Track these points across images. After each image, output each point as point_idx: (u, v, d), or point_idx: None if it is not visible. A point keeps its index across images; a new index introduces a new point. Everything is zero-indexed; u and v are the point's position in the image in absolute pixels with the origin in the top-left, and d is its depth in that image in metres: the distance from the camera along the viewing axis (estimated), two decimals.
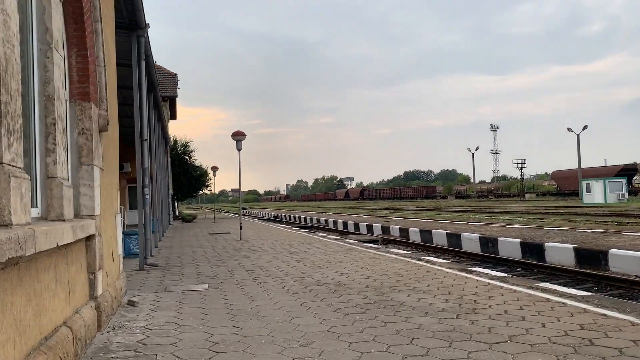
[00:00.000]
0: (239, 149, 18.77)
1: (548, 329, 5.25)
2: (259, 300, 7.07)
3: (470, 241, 16.95)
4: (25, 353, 3.24)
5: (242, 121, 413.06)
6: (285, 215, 48.46)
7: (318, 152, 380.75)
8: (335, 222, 32.03)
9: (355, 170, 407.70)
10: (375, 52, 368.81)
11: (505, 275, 9.19)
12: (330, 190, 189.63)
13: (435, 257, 14.79)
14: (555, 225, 21.16)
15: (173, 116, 42.37)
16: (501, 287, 7.68)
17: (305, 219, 39.87)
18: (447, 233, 18.73)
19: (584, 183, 51.08)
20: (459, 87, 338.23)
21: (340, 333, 5.27)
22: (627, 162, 69.90)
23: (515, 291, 7.36)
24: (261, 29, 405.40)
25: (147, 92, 16.63)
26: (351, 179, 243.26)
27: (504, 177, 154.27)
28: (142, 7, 10.20)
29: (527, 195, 77.74)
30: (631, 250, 11.63)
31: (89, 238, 5.34)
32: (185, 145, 45.41)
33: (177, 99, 40.70)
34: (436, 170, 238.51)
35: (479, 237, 16.61)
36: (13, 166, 3.17)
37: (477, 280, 8.40)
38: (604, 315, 5.75)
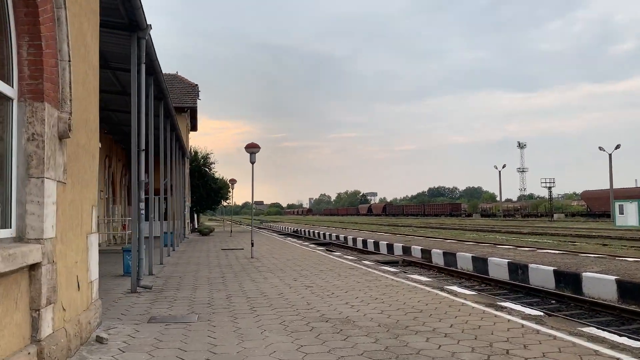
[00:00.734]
0: (252, 162, 17.84)
1: None
2: (249, 341, 6.00)
3: (498, 267, 15.64)
4: None
5: (267, 134, 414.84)
6: (304, 230, 47.40)
7: (342, 167, 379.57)
8: (354, 240, 30.85)
9: (378, 185, 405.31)
10: (402, 68, 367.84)
11: (540, 314, 7.97)
12: (353, 205, 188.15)
13: (460, 285, 13.57)
14: (588, 249, 19.70)
15: (194, 127, 41.87)
16: (537, 332, 6.49)
17: (324, 235, 38.76)
18: (472, 257, 17.43)
19: (617, 204, 48.92)
20: (485, 103, 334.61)
21: None
22: None
23: (555, 338, 6.17)
24: (288, 43, 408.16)
25: (153, 100, 15.87)
26: (374, 194, 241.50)
27: (531, 196, 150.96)
28: (141, 6, 9.36)
29: (555, 216, 75.33)
30: None
31: (34, 267, 4.37)
32: (206, 157, 44.83)
33: (197, 110, 40.25)
34: (461, 188, 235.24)
35: (508, 262, 15.30)
36: None
37: (509, 320, 7.21)
38: None
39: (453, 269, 17.58)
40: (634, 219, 45.87)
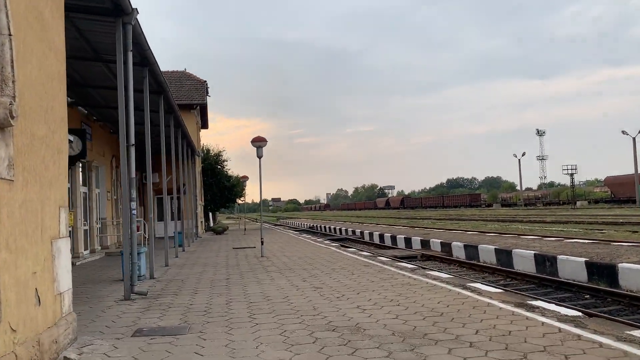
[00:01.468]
0: (259, 156, 17.02)
1: None
2: (239, 359, 5.16)
3: (524, 259, 14.62)
4: None
5: (283, 131, 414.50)
6: (320, 226, 46.56)
7: (358, 161, 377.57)
8: (371, 235, 29.92)
9: (396, 178, 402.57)
10: (416, 59, 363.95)
11: (578, 314, 7.02)
12: (370, 199, 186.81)
13: (483, 280, 12.60)
14: (618, 237, 18.55)
15: (204, 125, 41.22)
16: (579, 338, 5.55)
17: (340, 230, 37.88)
18: (495, 249, 16.42)
19: None
20: (502, 92, 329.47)
21: None
22: None
23: (601, 345, 5.23)
24: (302, 38, 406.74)
25: (152, 94, 15.10)
26: (392, 188, 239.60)
27: (552, 184, 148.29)
28: None
29: (578, 203, 73.46)
30: None
31: None
32: (218, 155, 44.15)
33: (207, 107, 39.55)
34: (480, 178, 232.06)
35: (534, 254, 14.28)
36: None
37: (543, 323, 6.27)
38: None
39: (475, 262, 16.57)
40: None
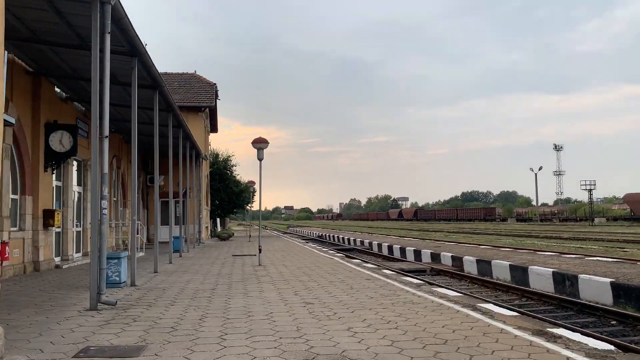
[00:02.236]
0: (260, 159, 16.03)
1: None
2: None
3: (541, 278, 13.42)
4: None
5: (298, 139, 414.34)
6: (329, 236, 45.45)
7: (373, 171, 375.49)
8: (380, 246, 28.76)
9: (410, 190, 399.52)
10: (434, 72, 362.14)
11: (610, 347, 5.88)
12: (383, 210, 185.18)
13: (496, 300, 11.45)
14: None
15: (214, 128, 40.46)
16: None
17: (349, 240, 36.75)
18: (510, 265, 15.23)
19: None
20: (520, 106, 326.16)
21: None
22: None
23: None
24: (319, 49, 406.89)
25: (145, 89, 14.23)
26: (406, 199, 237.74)
27: (568, 200, 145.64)
28: None
29: (596, 220, 71.48)
30: None
31: None
32: (227, 160, 43.35)
33: (217, 110, 38.80)
34: (495, 192, 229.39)
35: (553, 272, 13.08)
36: None
37: (567, 358, 5.16)
38: None
39: (488, 279, 15.39)
40: None
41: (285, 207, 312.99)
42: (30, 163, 14.34)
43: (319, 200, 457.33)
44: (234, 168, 44.12)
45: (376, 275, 12.58)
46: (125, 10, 9.32)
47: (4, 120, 5.92)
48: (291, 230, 74.75)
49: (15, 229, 13.54)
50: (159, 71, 35.85)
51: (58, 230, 16.38)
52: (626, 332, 8.81)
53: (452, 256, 19.42)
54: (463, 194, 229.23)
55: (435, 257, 20.85)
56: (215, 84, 34.40)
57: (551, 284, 12.95)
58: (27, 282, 11.93)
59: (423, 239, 34.25)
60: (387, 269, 16.05)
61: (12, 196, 13.52)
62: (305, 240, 37.04)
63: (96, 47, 8.40)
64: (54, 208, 15.46)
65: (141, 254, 20.28)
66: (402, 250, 24.56)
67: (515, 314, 7.80)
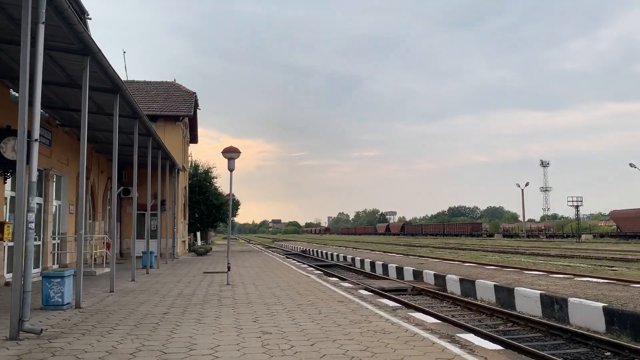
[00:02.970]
0: (230, 169, 15.05)
1: None
2: None
3: (528, 300, 12.50)
4: None
5: (287, 153, 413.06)
6: (313, 251, 44.34)
7: (361, 185, 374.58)
8: (362, 262, 27.74)
9: (398, 204, 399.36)
10: (422, 87, 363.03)
11: None
12: (371, 224, 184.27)
13: (478, 326, 10.45)
14: (633, 276, 16.42)
15: (193, 139, 39.39)
16: None
17: (332, 255, 35.70)
18: (495, 285, 14.30)
19: None
20: (506, 123, 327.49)
21: None
22: None
23: None
24: (308, 63, 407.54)
25: (104, 92, 13.24)
26: (393, 213, 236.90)
27: (555, 216, 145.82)
28: None
29: (583, 237, 71.00)
30: None
31: None
32: (207, 172, 42.22)
33: (197, 120, 37.79)
34: (482, 207, 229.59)
35: (540, 294, 12.15)
36: None
37: None
38: None
39: (471, 300, 14.44)
40: None
41: (273, 221, 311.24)
42: None
43: (308, 213, 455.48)
44: (215, 180, 43.01)
45: (350, 297, 11.57)
46: None
47: None
48: (276, 244, 73.53)
49: None
50: (140, 79, 34.67)
51: (11, 244, 15.20)
52: None
53: (434, 274, 18.46)
54: (450, 208, 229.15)
55: (418, 274, 19.89)
56: (194, 93, 33.38)
57: (539, 307, 12.02)
58: None
59: (408, 254, 33.30)
60: (365, 289, 15.06)
61: None
62: (287, 256, 35.93)
63: (26, 41, 7.38)
64: (5, 220, 14.29)
65: (106, 269, 19.11)
66: (385, 267, 23.58)
67: (498, 347, 6.81)
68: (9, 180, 14.72)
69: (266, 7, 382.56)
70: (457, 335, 7.43)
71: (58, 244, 19.66)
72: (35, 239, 17.05)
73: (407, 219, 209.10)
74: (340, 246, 52.34)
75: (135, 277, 15.82)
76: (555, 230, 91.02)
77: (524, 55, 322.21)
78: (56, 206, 19.41)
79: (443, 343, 6.80)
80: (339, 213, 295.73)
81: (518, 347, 8.38)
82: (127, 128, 17.51)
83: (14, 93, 15.26)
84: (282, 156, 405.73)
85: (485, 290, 14.68)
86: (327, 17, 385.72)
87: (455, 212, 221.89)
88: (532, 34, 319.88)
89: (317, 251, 42.83)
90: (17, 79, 13.57)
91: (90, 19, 18.99)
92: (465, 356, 6.12)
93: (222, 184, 53.37)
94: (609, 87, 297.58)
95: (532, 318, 11.30)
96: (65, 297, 9.76)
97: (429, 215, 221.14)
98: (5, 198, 14.70)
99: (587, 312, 10.52)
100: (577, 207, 71.06)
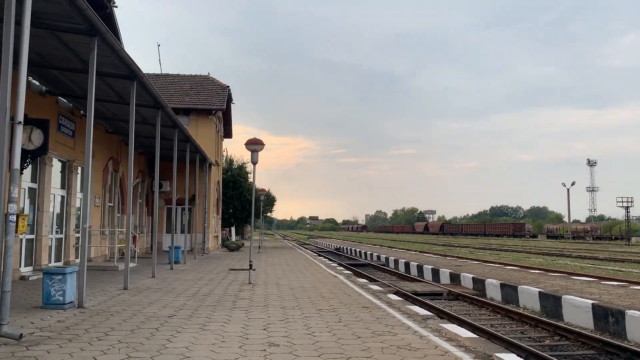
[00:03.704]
0: (254, 162, 14.22)
1: None
2: None
3: (578, 310, 11.18)
4: None
5: (326, 150, 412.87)
6: (347, 249, 43.31)
7: (400, 183, 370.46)
8: (396, 262, 26.56)
9: (437, 203, 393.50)
10: (464, 84, 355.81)
11: None
12: (409, 223, 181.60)
13: (520, 341, 9.21)
14: None
15: (228, 134, 38.91)
16: None
17: (366, 254, 34.60)
18: (540, 292, 12.99)
19: None
20: (552, 121, 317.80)
21: None
22: None
23: None
24: (348, 61, 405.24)
25: (118, 77, 12.58)
26: (433, 212, 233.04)
27: (602, 217, 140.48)
28: None
29: (633, 239, 67.61)
30: None
31: None
32: (241, 167, 41.68)
33: (232, 115, 37.28)
34: (525, 207, 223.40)
35: (592, 304, 10.83)
36: None
37: None
38: None
39: (513, 308, 13.17)
40: None
41: (310, 217, 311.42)
42: None
43: (345, 211, 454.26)
44: (250, 175, 42.42)
45: (377, 302, 10.53)
46: None
47: None
48: (311, 241, 72.84)
49: None
50: (178, 73, 34.06)
51: (31, 237, 14.78)
52: None
53: (473, 278, 17.19)
54: (492, 208, 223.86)
55: (455, 277, 18.64)
56: (228, 86, 32.78)
57: (590, 319, 10.71)
58: None
59: (445, 255, 31.90)
60: (396, 292, 13.99)
61: None
62: (319, 254, 35.04)
63: (10, 16, 6.60)
64: (21, 212, 13.79)
65: (130, 264, 18.58)
66: (420, 269, 22.37)
67: None
68: (25, 170, 14.24)
69: (304, 5, 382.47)
70: (497, 354, 6.31)
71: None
72: (56, 232, 16.67)
73: (447, 218, 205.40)
74: (375, 245, 51.14)
75: (155, 274, 15.17)
76: (602, 232, 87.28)
77: (571, 52, 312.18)
78: (80, 199, 19.00)
79: None
80: (377, 211, 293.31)
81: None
82: (152, 119, 16.90)
83: (37, 83, 14.78)
84: (321, 153, 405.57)
85: (528, 298, 13.38)
86: (366, 13, 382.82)
87: (497, 211, 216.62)
88: (580, 29, 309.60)
89: (351, 249, 41.79)
90: (38, 66, 13.05)
91: (116, 6, 18.42)
92: None
93: (256, 179, 52.90)
94: None
95: (583, 332, 9.99)
96: (67, 296, 9.07)
97: (470, 215, 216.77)
98: (23, 189, 14.23)
99: None
100: (627, 208, 67.67)
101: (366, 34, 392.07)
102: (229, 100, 34.16)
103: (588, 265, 24.59)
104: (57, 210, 16.80)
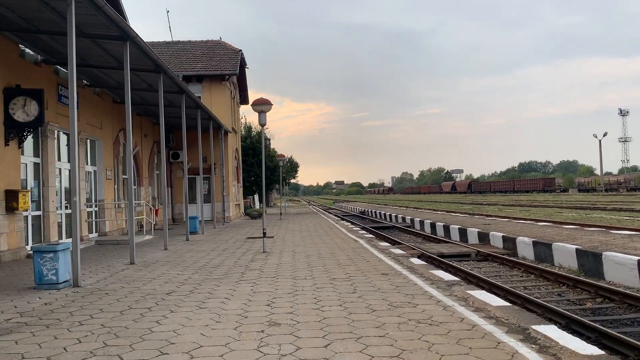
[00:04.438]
0: (262, 124, 13.34)
1: None
2: None
3: (622, 268, 10.13)
4: None
5: (348, 114, 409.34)
6: (372, 212, 42.48)
7: (425, 144, 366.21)
8: (422, 223, 25.62)
9: (464, 162, 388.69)
10: (488, 38, 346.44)
11: None
12: (436, 183, 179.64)
13: (559, 306, 8.22)
14: None
15: (244, 100, 37.95)
16: None
17: (391, 216, 33.72)
18: (577, 250, 11.94)
19: None
20: (580, 71, 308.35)
21: None
22: None
23: None
24: (368, 20, 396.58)
25: (108, 39, 11.68)
26: (460, 171, 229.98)
27: (635, 168, 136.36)
28: None
29: None
30: None
31: None
32: (260, 133, 40.84)
33: (247, 80, 36.25)
34: (555, 162, 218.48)
35: (638, 260, 9.77)
36: None
37: None
38: None
39: (547, 267, 12.17)
40: None
41: (336, 182, 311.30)
42: None
43: (371, 174, 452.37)
44: (270, 141, 41.64)
45: (398, 268, 9.66)
46: None
47: None
48: (336, 205, 72.26)
49: None
50: (189, 40, 33.03)
51: (37, 213, 14.25)
52: None
53: (503, 236, 16.17)
54: (520, 164, 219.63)
55: (484, 237, 17.65)
56: (240, 50, 31.64)
57: (636, 277, 9.68)
58: None
59: (474, 213, 30.82)
60: (420, 255, 13.11)
61: None
62: (343, 218, 34.29)
63: None
64: (22, 188, 13.19)
65: (146, 237, 18.09)
66: (446, 229, 21.41)
67: (599, 352, 4.68)
68: (26, 145, 13.60)
69: None
70: (533, 327, 5.38)
71: (96, 211, 18.78)
72: (66, 207, 16.14)
73: (475, 176, 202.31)
74: (400, 206, 50.20)
75: (168, 246, 14.54)
76: (636, 183, 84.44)
77: None
78: (90, 172, 18.43)
79: (512, 343, 4.81)
80: (403, 173, 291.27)
81: (624, 341, 6.20)
82: (155, 85, 16.05)
83: (31, 52, 14.01)
84: (343, 118, 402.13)
85: (564, 256, 12.35)
86: None
87: (525, 167, 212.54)
88: None
89: (375, 212, 40.95)
90: (16, 30, 12.22)
91: None
92: None
93: (276, 145, 52.13)
94: None
95: (629, 293, 8.97)
96: (60, 275, 8.40)
97: (498, 172, 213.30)
98: (24, 164, 13.62)
99: None
100: None
101: None
102: (243, 64, 33.08)
103: (625, 217, 23.28)
104: (66, 184, 16.24)
